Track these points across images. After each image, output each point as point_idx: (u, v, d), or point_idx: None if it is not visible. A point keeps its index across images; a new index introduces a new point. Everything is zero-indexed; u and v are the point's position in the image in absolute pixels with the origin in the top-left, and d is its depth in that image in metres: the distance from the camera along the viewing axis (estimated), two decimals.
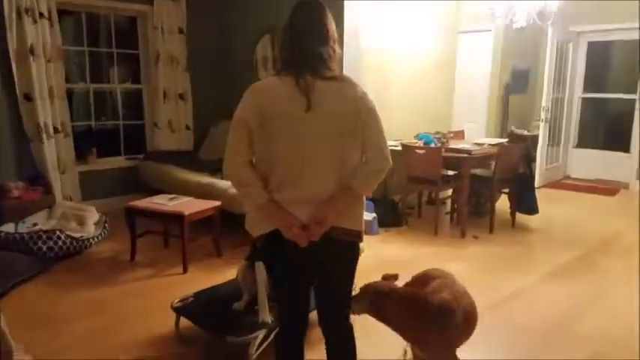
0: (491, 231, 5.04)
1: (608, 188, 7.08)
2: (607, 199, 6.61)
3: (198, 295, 2.98)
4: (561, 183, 7.58)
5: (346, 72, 4.80)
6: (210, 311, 2.81)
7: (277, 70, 1.86)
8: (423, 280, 2.30)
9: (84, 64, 5.62)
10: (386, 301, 2.07)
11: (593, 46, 7.78)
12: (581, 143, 8.06)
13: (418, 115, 5.92)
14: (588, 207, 6.24)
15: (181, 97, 5.91)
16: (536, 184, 7.14)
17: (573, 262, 4.27)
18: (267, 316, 2.67)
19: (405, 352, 2.45)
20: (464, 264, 4.22)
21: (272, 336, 2.65)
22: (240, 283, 2.89)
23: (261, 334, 2.58)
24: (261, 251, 1.97)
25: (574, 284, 3.82)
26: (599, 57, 7.86)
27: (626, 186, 7.17)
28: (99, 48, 5.88)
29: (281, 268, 1.92)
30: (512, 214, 5.28)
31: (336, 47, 1.87)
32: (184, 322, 2.90)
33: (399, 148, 5.08)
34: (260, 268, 2.65)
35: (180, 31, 5.78)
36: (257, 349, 2.58)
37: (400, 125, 5.71)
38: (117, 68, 5.82)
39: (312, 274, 1.93)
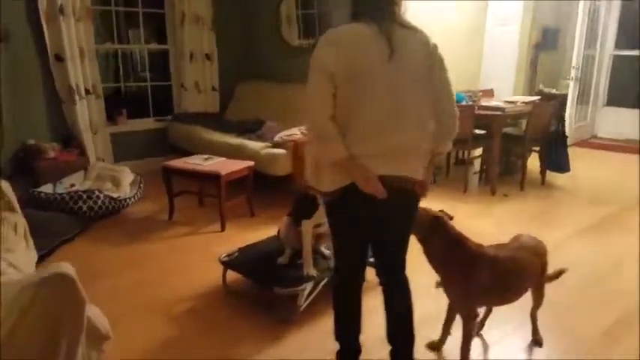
0: (522, 189, 5.03)
1: (636, 147, 6.95)
2: (635, 158, 6.51)
3: (242, 250, 3.04)
4: (589, 142, 7.48)
5: None
6: (256, 265, 2.88)
7: (353, 15, 1.77)
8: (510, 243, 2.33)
9: (111, 24, 5.58)
10: (439, 230, 2.09)
11: (625, 2, 7.52)
12: (611, 102, 7.89)
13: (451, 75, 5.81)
14: (617, 166, 6.18)
15: (207, 57, 5.87)
16: None
17: (604, 219, 4.26)
18: (312, 270, 2.73)
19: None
20: (494, 219, 4.25)
21: (318, 288, 2.71)
22: (283, 238, 2.94)
23: (308, 286, 2.64)
24: (332, 205, 1.92)
25: (606, 240, 3.83)
26: (632, 14, 7.60)
27: None
28: (125, 7, 5.81)
29: (351, 222, 1.91)
30: (543, 172, 5.25)
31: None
32: (230, 276, 2.97)
33: None
34: (307, 226, 2.69)
35: None
36: (305, 301, 2.64)
37: None
38: (143, 28, 5.76)
39: (378, 227, 1.93)
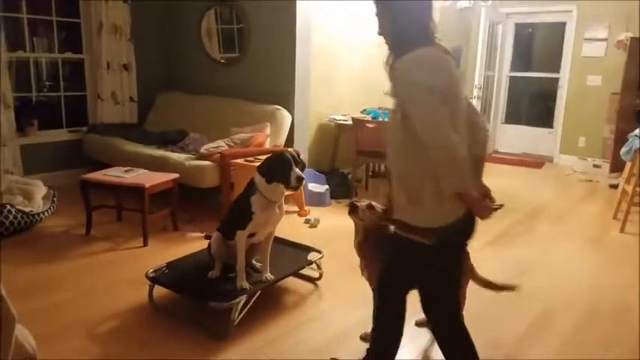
0: None
1: (534, 162, 7.69)
2: (534, 172, 7.21)
3: (171, 265, 3.03)
4: (491, 157, 8.13)
5: (298, 53, 4.95)
6: (187, 280, 2.89)
7: (420, 40, 1.71)
8: None
9: (23, 32, 5.29)
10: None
11: (519, 27, 8.32)
12: (509, 119, 8.65)
13: (366, 93, 6.13)
14: (517, 179, 6.79)
15: (125, 67, 5.73)
16: None
17: (512, 227, 4.68)
18: (245, 283, 2.78)
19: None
20: None
21: (251, 302, 2.78)
22: (214, 252, 2.97)
23: (242, 299, 2.69)
24: (441, 247, 1.75)
25: (516, 247, 4.22)
26: (525, 37, 8.44)
27: (550, 159, 7.83)
28: (38, 15, 5.53)
29: (457, 259, 1.88)
30: None
31: None
32: (156, 292, 2.94)
33: (349, 122, 5.28)
34: (240, 237, 2.75)
35: None
36: (238, 315, 2.69)
37: (347, 101, 5.92)
38: (57, 37, 5.52)
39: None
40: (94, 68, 5.59)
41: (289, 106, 5.00)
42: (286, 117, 4.89)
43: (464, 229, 1.79)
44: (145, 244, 3.90)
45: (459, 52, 8.53)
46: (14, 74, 5.24)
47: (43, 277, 3.34)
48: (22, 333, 2.00)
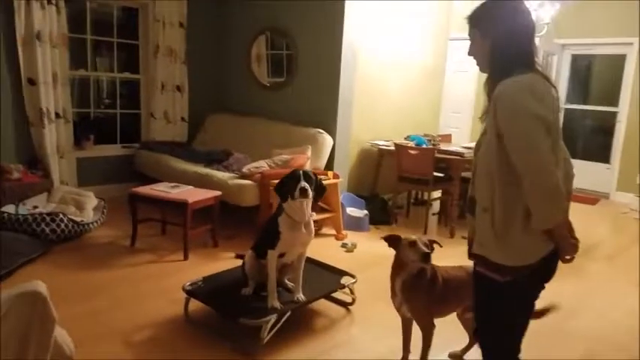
0: None
1: (588, 197, 7.38)
2: (587, 208, 6.91)
3: (207, 279, 3.10)
4: None
5: (342, 79, 5.04)
6: (221, 295, 2.94)
7: (525, 66, 1.65)
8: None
9: (85, 51, 5.65)
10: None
11: (576, 59, 8.11)
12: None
13: (407, 119, 6.15)
14: (574, 216, 6.49)
15: (178, 89, 5.98)
16: None
17: (560, 264, 4.48)
18: (276, 302, 2.81)
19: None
20: (451, 262, 4.41)
21: (281, 322, 2.79)
22: (247, 271, 3.02)
23: (272, 318, 2.71)
24: (522, 285, 1.70)
25: (562, 285, 4.02)
26: (582, 69, 8.20)
27: (606, 196, 7.49)
28: (101, 37, 5.90)
29: (533, 300, 1.80)
30: None
31: None
32: (191, 305, 3.02)
33: (392, 147, 5.27)
34: (271, 256, 2.79)
35: (181, 25, 5.85)
36: (268, 334, 2.70)
37: (390, 127, 5.93)
38: (117, 58, 5.86)
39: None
40: (149, 88, 5.87)
41: (331, 130, 5.07)
42: (327, 140, 4.95)
43: (546, 269, 1.72)
44: (186, 257, 4.00)
45: None
46: (76, 91, 5.58)
47: (87, 283, 3.49)
48: (61, 335, 2.10)
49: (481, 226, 1.71)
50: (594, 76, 8.43)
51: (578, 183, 7.86)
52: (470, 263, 1.97)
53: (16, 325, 1.80)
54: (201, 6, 6.07)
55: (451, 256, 4.53)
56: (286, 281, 3.08)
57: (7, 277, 3.37)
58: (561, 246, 1.67)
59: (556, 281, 4.02)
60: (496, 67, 1.70)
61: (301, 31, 5.39)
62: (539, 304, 2.29)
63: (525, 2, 5.65)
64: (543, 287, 1.78)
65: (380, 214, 5.30)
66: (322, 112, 5.19)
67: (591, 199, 7.34)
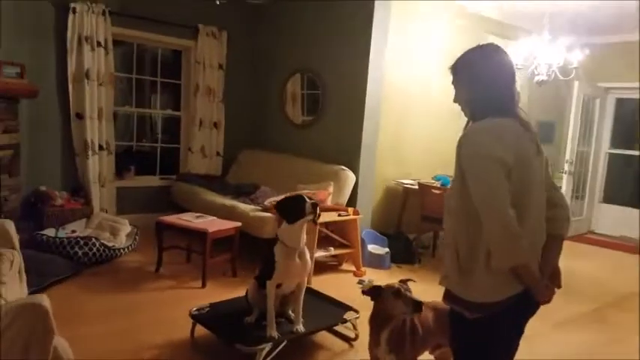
0: None
1: (632, 246, 7.03)
2: (630, 257, 6.59)
3: (214, 306, 3.24)
4: (585, 237, 7.58)
5: (366, 118, 5.18)
6: (224, 321, 3.07)
7: (495, 111, 1.70)
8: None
9: (130, 89, 6.12)
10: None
11: (621, 103, 7.90)
12: (607, 199, 8.06)
13: (437, 158, 6.15)
14: (609, 263, 6.25)
15: (215, 125, 6.31)
16: None
17: (586, 313, 4.34)
18: (273, 332, 2.90)
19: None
20: None
21: (276, 351, 2.87)
22: (250, 300, 3.14)
23: (267, 346, 2.80)
24: (485, 321, 1.68)
25: (584, 333, 3.89)
26: (628, 113, 7.96)
27: None
28: (145, 76, 6.38)
29: (508, 341, 1.78)
30: None
31: None
32: (199, 331, 3.16)
33: (416, 186, 5.32)
34: (269, 286, 2.90)
35: (220, 66, 6.22)
36: None
37: (416, 166, 5.97)
38: (159, 96, 6.29)
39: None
40: (189, 124, 6.23)
41: (355, 167, 5.18)
42: (350, 177, 5.06)
43: (518, 309, 1.69)
44: (204, 285, 4.16)
45: (552, 126, 8.29)
46: (119, 125, 6.01)
47: (110, 305, 3.71)
48: (61, 345, 2.27)
49: (447, 260, 1.77)
50: None
51: (623, 230, 7.53)
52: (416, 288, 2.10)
53: (18, 334, 1.98)
54: (239, 49, 6.43)
55: None
56: (289, 312, 3.16)
57: (38, 293, 3.64)
58: (530, 288, 1.66)
59: (577, 329, 3.91)
60: (474, 113, 1.77)
61: (327, 69, 5.62)
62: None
63: (555, 45, 5.56)
64: (523, 324, 1.80)
65: (403, 253, 5.30)
66: (346, 149, 5.33)
67: (635, 247, 7.00)
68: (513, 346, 1.82)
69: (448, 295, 1.78)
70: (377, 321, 2.37)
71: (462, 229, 1.69)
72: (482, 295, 1.66)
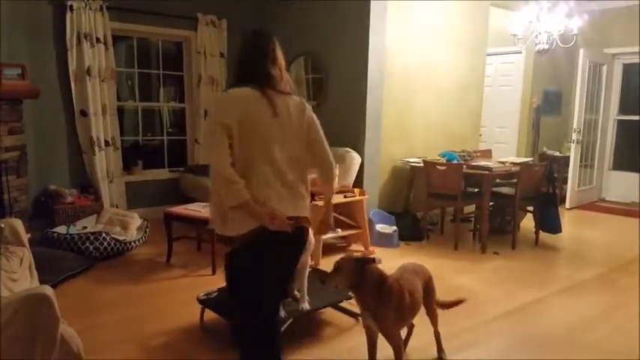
0: (513, 247, 5.15)
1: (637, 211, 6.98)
2: (635, 221, 6.54)
3: (221, 290, 3.29)
4: (595, 205, 7.54)
5: (369, 98, 5.17)
6: (231, 304, 3.10)
7: (237, 82, 2.12)
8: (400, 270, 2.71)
9: (134, 84, 6.17)
10: (363, 272, 2.39)
11: (628, 68, 7.77)
12: (617, 165, 7.99)
13: (443, 135, 6.14)
14: (619, 230, 6.21)
15: None
16: (568, 205, 7.17)
17: (590, 279, 4.34)
18: (281, 311, 2.93)
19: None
20: (479, 276, 4.37)
21: (283, 328, 2.92)
22: None
23: None
24: (245, 248, 2.08)
25: (586, 300, 3.91)
26: (637, 79, 7.82)
27: None
28: (148, 69, 6.42)
29: (267, 260, 2.10)
30: (537, 232, 5.35)
31: (284, 72, 2.22)
32: (208, 315, 3.22)
33: (421, 164, 5.31)
34: None
35: (221, 55, 6.24)
36: None
37: (423, 144, 5.95)
38: (163, 88, 6.33)
39: (280, 262, 2.18)
40: (193, 115, 6.27)
41: (360, 149, 5.19)
42: (355, 159, 5.07)
43: (260, 239, 2.03)
44: (214, 272, 4.23)
45: (559, 95, 8.19)
46: (125, 120, 6.07)
47: (123, 295, 3.79)
48: (68, 334, 2.34)
49: (211, 207, 2.23)
50: None
51: (632, 197, 7.45)
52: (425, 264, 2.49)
53: (24, 323, 2.04)
54: (240, 36, 6.43)
55: (478, 271, 4.52)
56: (295, 292, 3.21)
57: (52, 288, 3.73)
58: (259, 221, 2.00)
59: (582, 293, 3.94)
60: (235, 79, 2.17)
61: (329, 50, 5.61)
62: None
63: (554, 12, 5.46)
64: (280, 249, 2.11)
65: (411, 231, 5.32)
66: (351, 131, 5.33)
67: None
68: (277, 268, 2.16)
69: (219, 238, 2.26)
70: (354, 291, 2.48)
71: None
72: (231, 229, 2.06)
